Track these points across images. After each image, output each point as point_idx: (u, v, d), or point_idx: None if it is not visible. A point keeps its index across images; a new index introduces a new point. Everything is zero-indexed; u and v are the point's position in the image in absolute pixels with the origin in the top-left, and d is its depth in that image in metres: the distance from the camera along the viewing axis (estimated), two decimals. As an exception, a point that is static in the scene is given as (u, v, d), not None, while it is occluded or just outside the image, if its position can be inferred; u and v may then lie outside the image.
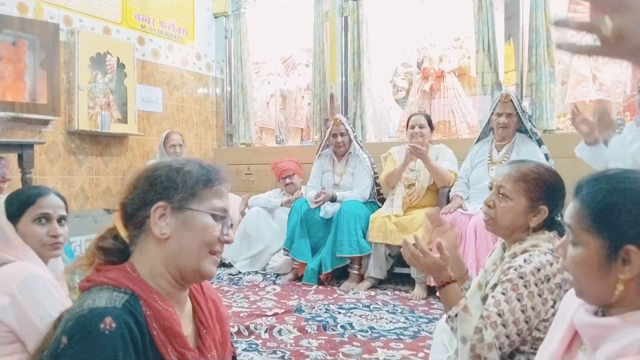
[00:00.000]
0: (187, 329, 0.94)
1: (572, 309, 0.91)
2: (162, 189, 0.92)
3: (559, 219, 1.32)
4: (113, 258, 0.93)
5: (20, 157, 2.97)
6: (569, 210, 0.87)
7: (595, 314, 0.87)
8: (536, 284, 1.18)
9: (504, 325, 1.17)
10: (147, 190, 0.93)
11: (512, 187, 1.31)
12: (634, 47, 0.50)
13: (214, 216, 0.94)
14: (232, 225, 1.00)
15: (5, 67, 3.30)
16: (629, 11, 0.49)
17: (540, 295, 1.18)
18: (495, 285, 1.24)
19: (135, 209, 0.92)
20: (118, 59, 3.99)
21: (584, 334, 0.85)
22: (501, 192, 1.33)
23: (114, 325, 0.77)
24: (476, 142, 3.31)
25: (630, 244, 0.78)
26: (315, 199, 3.53)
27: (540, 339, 1.17)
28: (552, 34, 3.54)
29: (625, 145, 1.88)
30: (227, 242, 0.96)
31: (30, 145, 3.01)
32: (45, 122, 3.58)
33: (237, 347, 2.18)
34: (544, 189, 1.29)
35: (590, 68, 3.80)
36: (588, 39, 0.55)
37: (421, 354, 2.10)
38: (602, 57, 0.57)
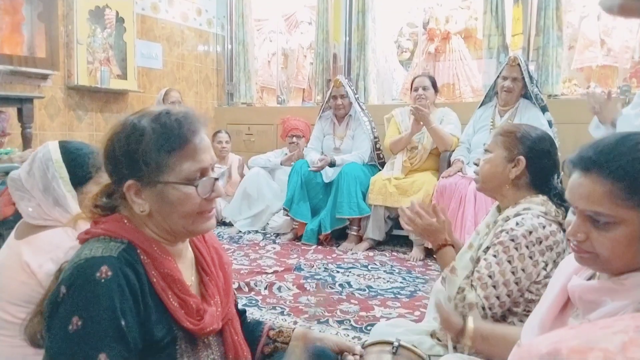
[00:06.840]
0: (190, 278, 0.95)
1: (566, 276, 0.92)
2: (126, 167, 0.86)
3: (557, 184, 1.33)
4: (108, 213, 0.92)
5: (19, 111, 2.95)
6: (582, 191, 0.79)
7: (589, 280, 0.87)
8: (527, 246, 1.20)
9: (494, 287, 1.20)
10: (113, 169, 0.89)
11: (492, 141, 1.39)
12: None
13: (190, 182, 0.87)
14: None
15: (2, 18, 3.23)
16: None
17: (531, 257, 1.20)
18: (488, 248, 1.27)
19: (113, 183, 0.90)
20: (117, 12, 3.90)
21: (579, 299, 0.84)
22: (484, 149, 1.41)
23: (110, 273, 0.79)
24: (479, 107, 3.28)
25: None
26: (315, 165, 3.52)
27: (533, 301, 1.20)
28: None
29: (632, 122, 1.87)
30: (216, 197, 0.91)
31: (29, 100, 2.98)
32: (44, 77, 3.53)
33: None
34: (521, 140, 1.33)
35: (599, 32, 3.73)
36: None
37: (417, 313, 2.16)
38: None
